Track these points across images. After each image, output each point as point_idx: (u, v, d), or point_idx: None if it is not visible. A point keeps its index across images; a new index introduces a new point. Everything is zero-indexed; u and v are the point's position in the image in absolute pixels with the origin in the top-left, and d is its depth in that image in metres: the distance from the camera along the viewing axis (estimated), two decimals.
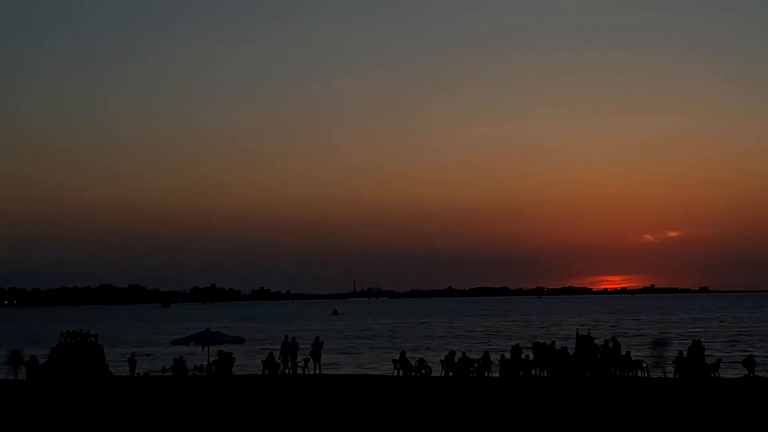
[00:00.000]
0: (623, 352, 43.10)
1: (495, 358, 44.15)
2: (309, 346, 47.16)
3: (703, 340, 44.11)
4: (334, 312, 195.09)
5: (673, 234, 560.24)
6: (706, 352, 41.69)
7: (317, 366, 46.34)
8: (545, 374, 41.69)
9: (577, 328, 44.52)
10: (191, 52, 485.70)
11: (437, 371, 44.40)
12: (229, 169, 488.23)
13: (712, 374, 40.07)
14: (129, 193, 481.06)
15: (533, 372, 42.16)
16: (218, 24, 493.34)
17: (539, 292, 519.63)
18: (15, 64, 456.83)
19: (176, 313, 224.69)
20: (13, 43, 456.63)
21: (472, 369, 43.01)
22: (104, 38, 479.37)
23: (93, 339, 43.73)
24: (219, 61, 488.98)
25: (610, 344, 42.12)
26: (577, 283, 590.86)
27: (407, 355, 46.84)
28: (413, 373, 44.63)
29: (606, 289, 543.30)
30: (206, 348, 42.69)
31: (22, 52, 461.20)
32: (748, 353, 48.01)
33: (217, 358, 44.68)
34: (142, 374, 45.40)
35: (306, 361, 46.51)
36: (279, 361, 45.48)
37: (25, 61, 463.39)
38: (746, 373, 40.69)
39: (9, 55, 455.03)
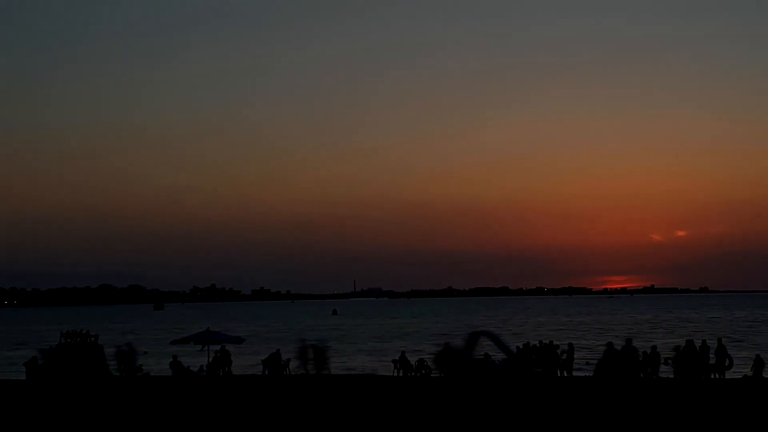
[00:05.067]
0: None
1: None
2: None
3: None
4: (334, 312, 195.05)
5: (681, 234, 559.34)
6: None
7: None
8: None
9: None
10: (192, 56, 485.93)
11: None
12: (229, 170, 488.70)
13: (713, 375, 39.96)
14: (129, 193, 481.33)
15: None
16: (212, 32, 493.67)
17: (539, 292, 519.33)
18: (10, 67, 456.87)
19: (168, 316, 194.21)
20: (18, 45, 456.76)
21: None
22: (99, 42, 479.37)
23: (93, 339, 43.73)
24: (220, 65, 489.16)
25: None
26: (577, 283, 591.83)
27: (407, 355, 46.88)
28: (413, 373, 44.63)
29: (606, 288, 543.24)
30: (206, 347, 42.71)
31: (20, 56, 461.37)
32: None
33: (215, 356, 44.69)
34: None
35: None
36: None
37: (21, 63, 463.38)
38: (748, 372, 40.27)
39: (5, 56, 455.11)
